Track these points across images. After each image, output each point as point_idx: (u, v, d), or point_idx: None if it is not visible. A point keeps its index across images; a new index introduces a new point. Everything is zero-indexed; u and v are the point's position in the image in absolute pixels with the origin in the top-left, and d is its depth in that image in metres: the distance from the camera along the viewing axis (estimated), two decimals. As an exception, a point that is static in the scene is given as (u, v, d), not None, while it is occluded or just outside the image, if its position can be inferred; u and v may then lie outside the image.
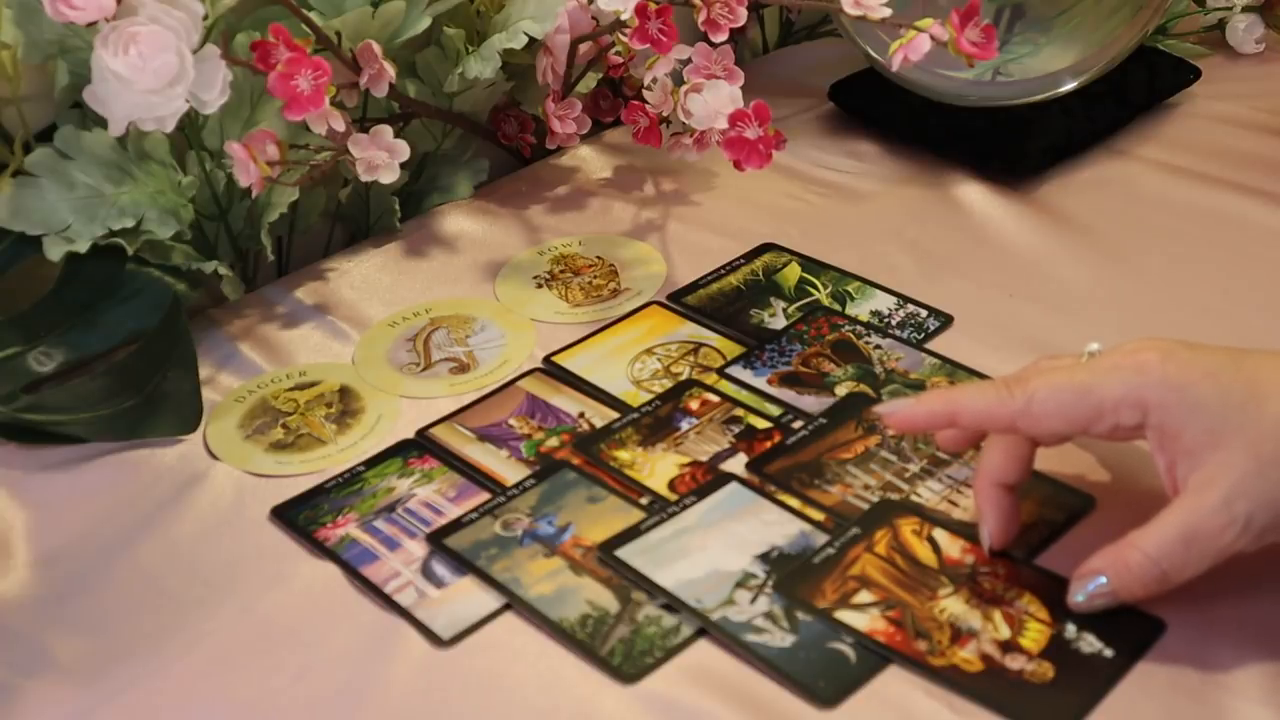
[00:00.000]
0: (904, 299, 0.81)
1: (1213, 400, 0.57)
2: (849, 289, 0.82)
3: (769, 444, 0.71)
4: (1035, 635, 0.59)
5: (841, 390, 0.74)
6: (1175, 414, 0.57)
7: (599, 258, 0.87)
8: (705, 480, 0.69)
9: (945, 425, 0.63)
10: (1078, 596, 0.59)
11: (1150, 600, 0.59)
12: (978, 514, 0.63)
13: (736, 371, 0.76)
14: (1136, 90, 0.99)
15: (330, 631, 0.63)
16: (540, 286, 0.85)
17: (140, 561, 0.67)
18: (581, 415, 0.74)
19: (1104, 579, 0.58)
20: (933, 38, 0.75)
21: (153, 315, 0.79)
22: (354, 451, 0.73)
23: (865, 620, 0.60)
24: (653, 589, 0.62)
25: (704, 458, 0.70)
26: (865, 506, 0.66)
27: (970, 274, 0.84)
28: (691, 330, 0.80)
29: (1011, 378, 0.61)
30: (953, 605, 0.60)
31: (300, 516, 0.69)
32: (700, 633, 0.61)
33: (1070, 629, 0.59)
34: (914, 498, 0.67)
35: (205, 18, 0.75)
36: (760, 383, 0.75)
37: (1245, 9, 1.05)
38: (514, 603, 0.63)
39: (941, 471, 0.68)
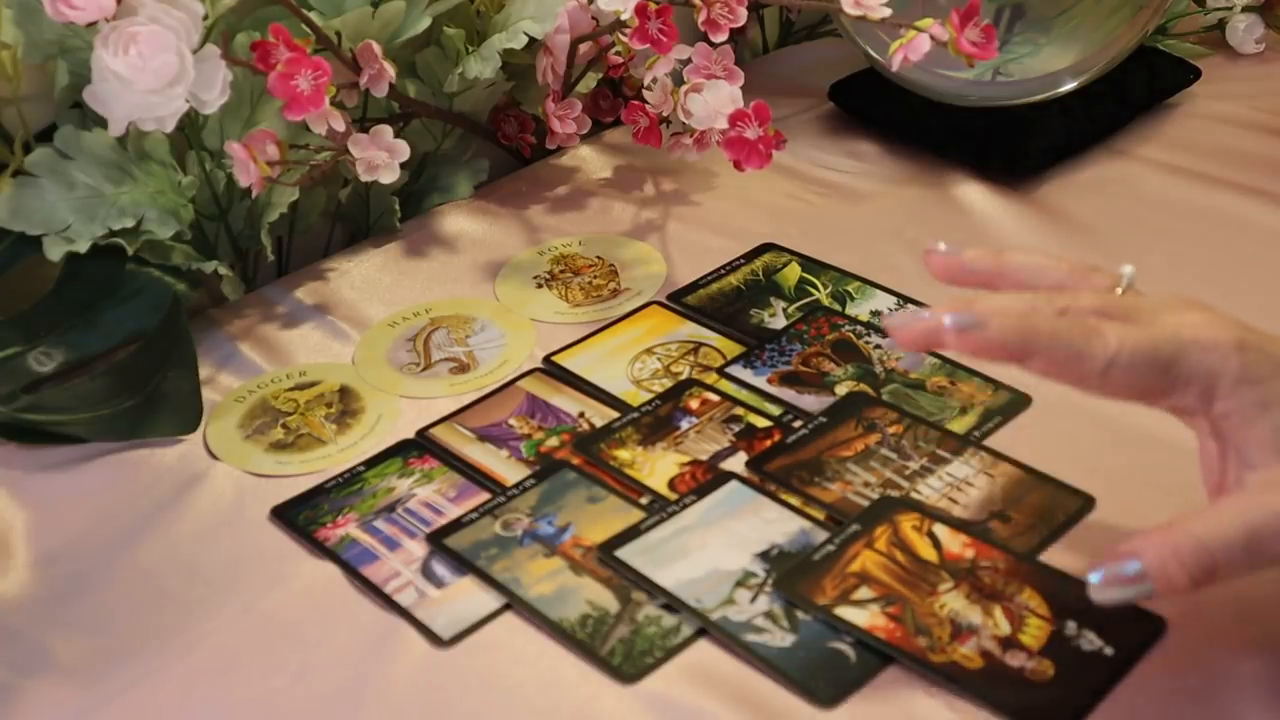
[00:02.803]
0: (904, 299, 0.81)
1: None
2: (849, 289, 0.82)
3: (769, 442, 0.71)
4: (1035, 632, 0.59)
5: (841, 390, 0.74)
6: (1247, 409, 0.55)
7: (599, 258, 0.87)
8: (705, 479, 0.69)
9: (1013, 360, 0.56)
10: (1094, 576, 0.54)
11: (1172, 597, 0.54)
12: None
13: (736, 371, 0.76)
14: (1136, 90, 0.99)
15: (330, 631, 0.63)
16: (540, 286, 0.85)
17: (140, 561, 0.67)
18: (581, 415, 0.74)
19: (1137, 563, 0.54)
20: (933, 38, 0.75)
21: (153, 315, 0.79)
22: (354, 451, 0.73)
23: (865, 616, 0.60)
24: (653, 589, 0.62)
25: (704, 457, 0.70)
26: (865, 503, 0.66)
27: (970, 274, 0.84)
28: (691, 330, 0.80)
29: (1088, 317, 0.55)
30: (953, 600, 0.60)
31: (300, 516, 0.69)
32: (700, 633, 0.61)
33: (1070, 626, 0.59)
34: (914, 494, 0.67)
35: (205, 18, 0.75)
36: (760, 382, 0.75)
37: (1245, 9, 1.05)
38: (514, 603, 0.63)
39: (941, 469, 0.68)
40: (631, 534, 0.65)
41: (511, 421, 0.74)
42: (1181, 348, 0.55)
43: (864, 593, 0.61)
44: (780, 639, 0.60)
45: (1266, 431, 0.55)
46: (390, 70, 0.82)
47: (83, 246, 0.76)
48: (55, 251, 0.76)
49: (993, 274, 0.61)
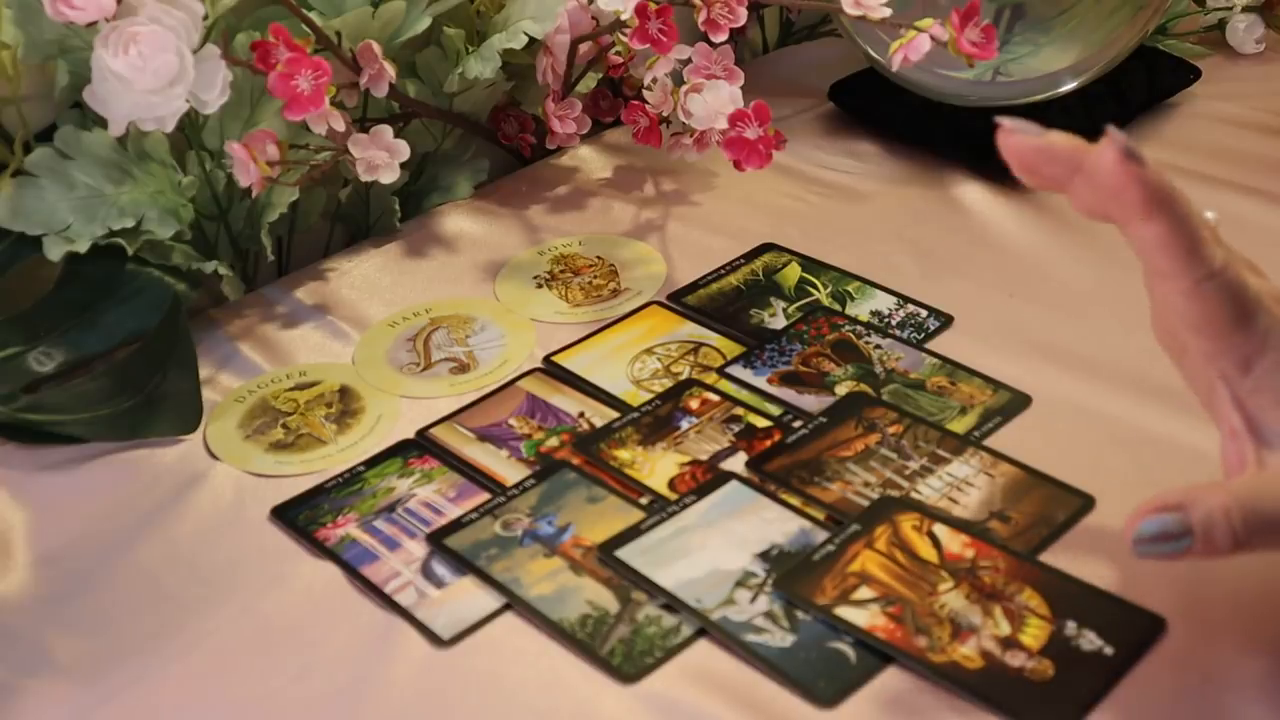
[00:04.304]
0: (904, 299, 0.81)
1: None
2: (849, 289, 0.82)
3: (769, 442, 0.71)
4: (1035, 631, 0.59)
5: (841, 390, 0.74)
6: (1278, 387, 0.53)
7: (599, 258, 0.87)
8: (705, 479, 0.69)
9: (1139, 221, 0.53)
10: (1142, 528, 0.53)
11: (1207, 558, 0.53)
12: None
13: (736, 371, 0.76)
14: (1136, 90, 0.99)
15: (330, 631, 0.63)
16: (540, 286, 0.85)
17: (140, 561, 0.67)
18: (581, 415, 0.74)
19: (1181, 517, 0.52)
20: (933, 38, 0.75)
21: (153, 315, 0.79)
22: (354, 451, 0.73)
23: (865, 616, 0.60)
24: (653, 589, 0.62)
25: (704, 456, 0.70)
26: (865, 503, 0.66)
27: (970, 274, 0.84)
28: (691, 330, 0.80)
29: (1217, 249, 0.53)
30: (953, 600, 0.60)
31: (300, 516, 0.69)
32: (700, 633, 0.61)
33: (1070, 626, 0.59)
34: (914, 495, 0.67)
35: (205, 18, 0.75)
36: (760, 382, 0.75)
37: (1245, 9, 1.05)
38: (514, 603, 0.63)
39: (941, 469, 0.68)
40: (631, 534, 0.65)
41: (511, 421, 0.74)
42: (1259, 301, 0.54)
43: (864, 593, 0.61)
44: (780, 639, 0.60)
45: None
46: (390, 70, 0.82)
47: (83, 246, 0.76)
48: (55, 251, 0.76)
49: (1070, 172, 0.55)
